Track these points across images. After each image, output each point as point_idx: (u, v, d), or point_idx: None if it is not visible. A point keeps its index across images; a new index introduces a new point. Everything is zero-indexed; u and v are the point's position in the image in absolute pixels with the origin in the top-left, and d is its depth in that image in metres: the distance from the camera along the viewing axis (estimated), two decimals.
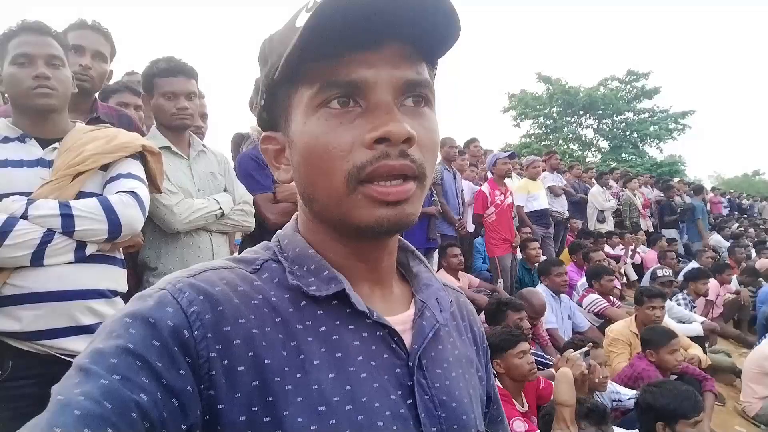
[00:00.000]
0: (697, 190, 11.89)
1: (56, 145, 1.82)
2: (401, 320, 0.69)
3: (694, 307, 6.10)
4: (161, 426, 0.51)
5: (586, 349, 3.05)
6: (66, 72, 1.83)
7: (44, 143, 1.81)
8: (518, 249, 6.22)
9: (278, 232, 0.74)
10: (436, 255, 5.53)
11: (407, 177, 0.60)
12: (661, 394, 2.67)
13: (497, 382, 2.89)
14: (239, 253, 0.72)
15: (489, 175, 6.43)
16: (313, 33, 0.55)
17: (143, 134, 2.36)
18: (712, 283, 6.74)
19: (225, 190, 2.50)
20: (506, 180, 6.46)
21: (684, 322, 5.36)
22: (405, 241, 0.78)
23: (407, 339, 0.68)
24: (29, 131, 1.81)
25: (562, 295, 5.02)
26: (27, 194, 1.71)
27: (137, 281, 2.27)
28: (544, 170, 7.73)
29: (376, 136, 0.58)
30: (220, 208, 2.37)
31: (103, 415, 0.48)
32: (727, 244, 10.64)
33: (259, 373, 0.57)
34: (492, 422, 0.88)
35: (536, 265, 6.26)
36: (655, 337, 3.79)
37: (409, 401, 0.64)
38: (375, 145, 0.58)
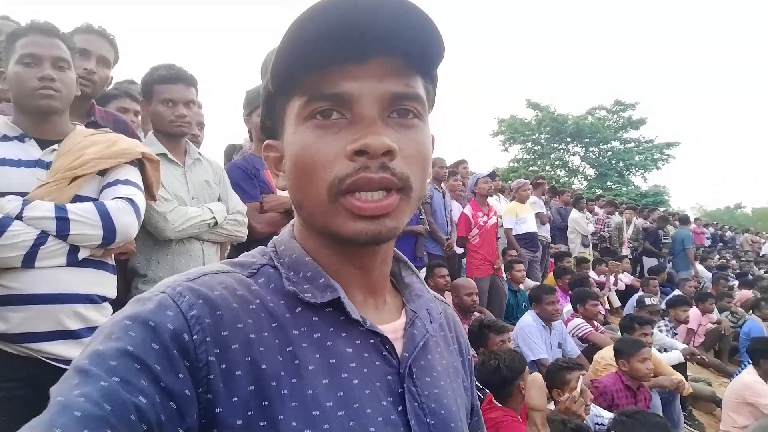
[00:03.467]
0: (684, 220, 12.07)
1: (55, 146, 1.81)
2: (393, 329, 0.71)
3: (675, 334, 6.16)
4: (159, 429, 0.52)
5: (584, 373, 3.09)
6: (71, 74, 1.83)
7: (43, 144, 1.80)
8: (503, 270, 6.23)
9: (275, 237, 0.75)
10: (423, 273, 5.53)
11: (390, 189, 0.61)
12: (633, 426, 2.66)
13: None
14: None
15: (471, 195, 6.47)
16: (290, 45, 0.58)
17: (139, 140, 2.36)
18: (694, 311, 6.82)
19: (219, 200, 2.49)
20: (494, 202, 6.50)
21: (666, 350, 5.40)
22: (398, 251, 0.79)
23: (398, 347, 0.69)
24: (29, 131, 1.80)
25: (553, 322, 4.86)
26: (23, 194, 1.69)
27: (126, 287, 2.25)
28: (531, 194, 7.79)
29: (355, 148, 0.59)
30: (214, 218, 2.36)
31: (102, 416, 0.49)
32: (710, 274, 10.79)
33: (256, 378, 0.58)
34: None
35: (520, 286, 6.29)
36: (625, 347, 4.00)
37: (400, 408, 0.65)
38: (355, 157, 0.59)
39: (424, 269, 5.51)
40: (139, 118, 2.85)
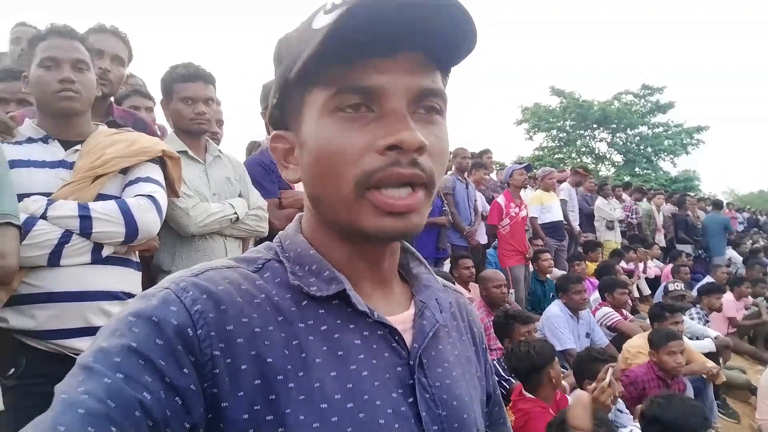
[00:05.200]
0: (717, 204, 11.73)
1: (78, 147, 1.85)
2: (402, 320, 0.70)
3: (707, 321, 6.03)
4: (164, 424, 0.52)
5: (613, 365, 3.03)
6: (90, 76, 1.86)
7: (67, 145, 1.84)
8: (530, 261, 6.18)
9: (280, 232, 0.74)
10: (447, 265, 5.51)
11: (416, 185, 0.61)
12: (669, 407, 2.61)
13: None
14: None
15: (504, 186, 6.43)
16: (335, 38, 0.55)
17: (158, 137, 2.39)
18: (728, 297, 6.66)
19: (240, 196, 2.52)
20: (523, 194, 6.45)
21: (697, 338, 5.29)
22: (405, 242, 0.78)
23: (408, 338, 0.68)
24: (52, 133, 1.84)
25: (581, 312, 4.80)
26: (47, 195, 1.73)
27: (151, 284, 2.28)
28: (560, 182, 7.69)
29: (389, 143, 0.58)
30: (235, 213, 2.39)
31: (106, 413, 0.49)
32: (740, 259, 10.53)
33: (262, 372, 0.58)
34: (494, 424, 0.88)
35: (548, 276, 6.22)
36: (656, 338, 3.93)
37: (410, 399, 0.65)
38: (386, 151, 0.59)
39: (448, 260, 5.50)
40: (153, 114, 2.89)
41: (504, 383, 3.26)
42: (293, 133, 0.67)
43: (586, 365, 3.29)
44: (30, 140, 1.82)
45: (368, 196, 0.60)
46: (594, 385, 2.78)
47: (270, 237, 2.69)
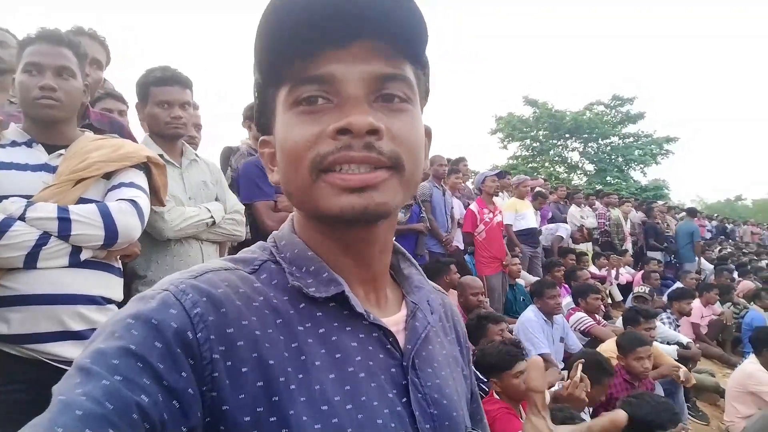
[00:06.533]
0: (691, 212, 11.98)
1: (62, 151, 1.83)
2: (394, 321, 0.71)
3: (677, 326, 6.17)
4: (161, 427, 0.51)
5: (582, 361, 3.09)
6: (74, 83, 1.84)
7: (51, 149, 1.83)
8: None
9: (274, 232, 0.74)
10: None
11: (377, 168, 0.61)
12: (639, 405, 2.69)
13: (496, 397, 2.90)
14: None
15: (476, 193, 6.49)
16: (270, 34, 0.58)
17: (135, 141, 2.37)
18: (696, 303, 6.83)
19: (217, 199, 2.50)
20: (497, 200, 6.52)
21: (669, 343, 5.39)
22: (396, 243, 0.79)
23: (401, 339, 0.70)
24: (37, 137, 1.83)
25: (555, 316, 4.85)
26: (29, 197, 1.71)
27: (126, 289, 2.25)
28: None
29: (338, 126, 0.59)
30: (212, 217, 2.38)
31: (104, 415, 0.48)
32: (711, 266, 10.78)
33: (264, 374, 0.58)
34: (472, 420, 0.89)
35: (516, 280, 6.28)
36: (625, 343, 3.97)
37: (404, 399, 0.66)
38: (338, 136, 0.59)
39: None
40: (126, 117, 2.85)
41: (483, 385, 3.28)
42: (273, 135, 0.68)
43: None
44: (14, 144, 1.81)
45: (324, 177, 0.60)
46: (568, 381, 2.84)
47: (261, 239, 2.69)
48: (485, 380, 3.21)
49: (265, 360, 0.58)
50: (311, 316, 0.64)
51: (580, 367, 2.87)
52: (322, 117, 0.61)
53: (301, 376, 0.59)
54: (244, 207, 2.61)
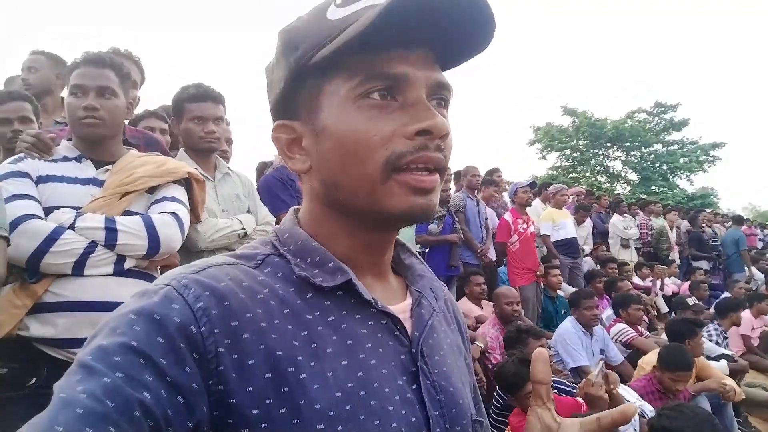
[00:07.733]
0: (737, 220, 11.56)
1: (109, 167, 1.96)
2: (401, 309, 0.72)
3: (725, 338, 5.92)
4: (166, 424, 0.51)
5: (601, 365, 3.01)
6: (116, 102, 1.96)
7: (99, 164, 1.96)
8: (540, 278, 6.14)
9: (276, 227, 0.75)
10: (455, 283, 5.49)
11: (433, 170, 0.63)
12: (678, 417, 2.51)
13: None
14: None
15: (510, 204, 6.44)
16: (376, 28, 0.57)
17: (171, 157, 2.47)
18: (746, 314, 6.54)
19: (248, 212, 2.57)
20: (527, 209, 6.44)
21: (710, 357, 5.16)
22: (398, 237, 0.80)
23: (408, 327, 0.70)
24: (86, 153, 1.97)
25: (594, 328, 4.69)
26: (78, 208, 1.83)
27: None
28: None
29: (420, 128, 0.61)
30: (243, 228, 2.44)
31: (105, 413, 0.48)
32: (762, 276, 10.34)
33: (272, 366, 0.58)
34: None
35: (558, 292, 6.16)
36: (668, 359, 3.76)
37: (414, 386, 0.66)
38: (416, 137, 0.61)
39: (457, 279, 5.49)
40: (168, 136, 2.98)
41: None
42: (301, 122, 0.68)
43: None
44: (65, 159, 1.95)
45: (396, 177, 0.62)
46: (584, 380, 2.82)
47: None
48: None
49: (273, 351, 0.58)
50: (319, 305, 0.64)
51: (600, 364, 2.80)
52: (391, 114, 0.62)
53: (313, 363, 0.60)
54: (275, 218, 2.66)
